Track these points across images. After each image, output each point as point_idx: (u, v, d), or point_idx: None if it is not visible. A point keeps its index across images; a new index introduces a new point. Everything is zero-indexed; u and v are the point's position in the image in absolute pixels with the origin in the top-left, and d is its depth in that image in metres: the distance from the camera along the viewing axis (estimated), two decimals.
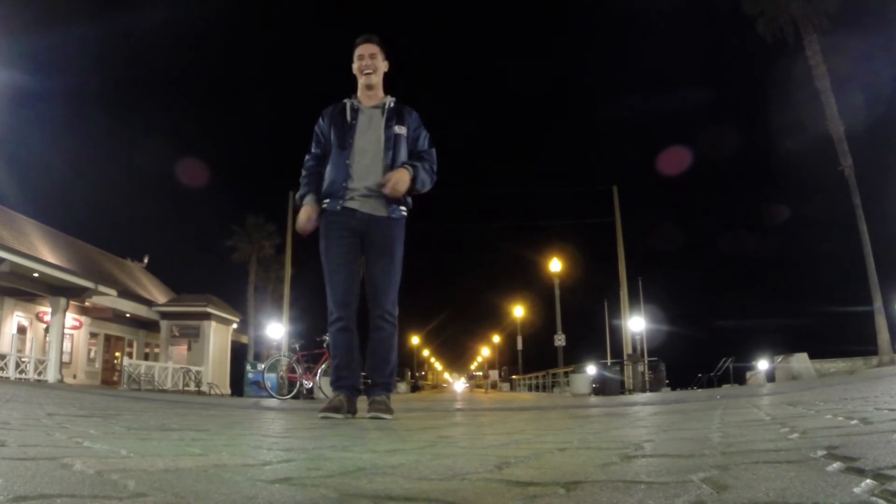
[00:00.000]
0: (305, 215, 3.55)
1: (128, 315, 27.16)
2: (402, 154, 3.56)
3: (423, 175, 3.54)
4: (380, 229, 3.48)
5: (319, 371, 10.81)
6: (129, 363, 23.33)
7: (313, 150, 3.68)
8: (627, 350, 22.48)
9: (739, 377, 20.90)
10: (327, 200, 3.54)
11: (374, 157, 3.52)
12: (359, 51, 3.60)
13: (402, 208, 3.56)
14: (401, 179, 3.42)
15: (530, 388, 28.62)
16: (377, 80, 3.63)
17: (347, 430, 2.31)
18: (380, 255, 3.48)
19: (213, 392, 23.80)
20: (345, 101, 3.68)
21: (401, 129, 3.58)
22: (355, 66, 3.63)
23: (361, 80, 3.63)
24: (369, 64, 3.58)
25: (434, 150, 3.68)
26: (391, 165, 3.51)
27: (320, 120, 3.70)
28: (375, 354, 3.48)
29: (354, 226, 3.48)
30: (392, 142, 3.54)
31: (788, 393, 4.94)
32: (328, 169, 3.58)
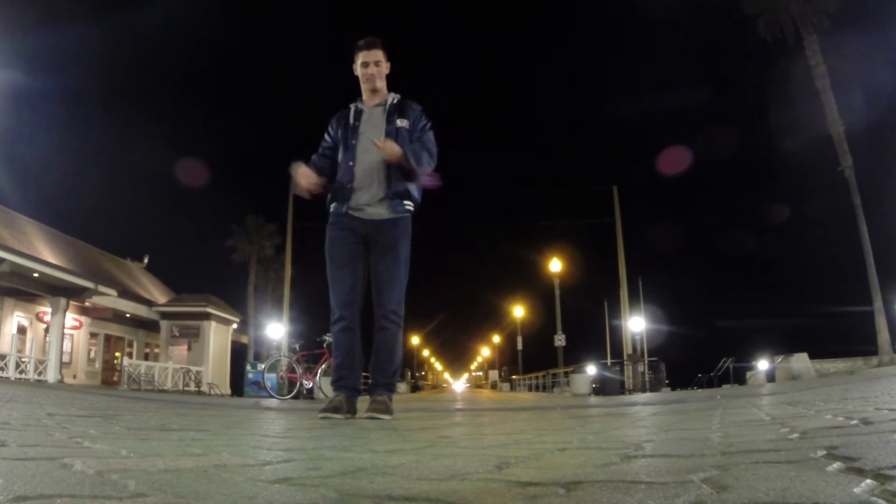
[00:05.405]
0: (302, 170, 3.46)
1: (128, 315, 27.16)
2: (405, 147, 3.56)
3: (418, 151, 3.48)
4: (384, 230, 3.48)
5: (319, 371, 10.81)
6: (129, 363, 23.33)
7: (320, 149, 3.72)
8: (627, 350, 22.47)
9: (739, 377, 20.89)
10: (334, 204, 3.57)
11: (375, 163, 3.51)
12: (362, 57, 3.58)
13: (407, 203, 3.53)
14: (393, 148, 3.39)
15: (530, 389, 28.60)
16: (382, 84, 3.65)
17: (347, 431, 2.31)
18: (384, 254, 3.47)
19: (213, 392, 23.79)
20: (350, 105, 3.70)
21: (403, 122, 3.57)
22: (359, 70, 3.62)
23: (366, 86, 3.64)
24: (374, 72, 3.58)
25: (431, 134, 3.63)
26: (390, 167, 3.49)
27: (329, 125, 3.73)
28: (379, 354, 3.46)
29: (358, 227, 3.49)
30: (394, 136, 3.52)
31: (788, 393, 4.94)
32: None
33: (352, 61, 3.66)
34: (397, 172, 3.51)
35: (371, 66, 3.57)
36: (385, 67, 3.65)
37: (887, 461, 1.01)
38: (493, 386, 52.12)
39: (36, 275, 19.36)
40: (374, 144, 3.41)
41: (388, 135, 3.52)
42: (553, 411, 4.25)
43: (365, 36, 3.60)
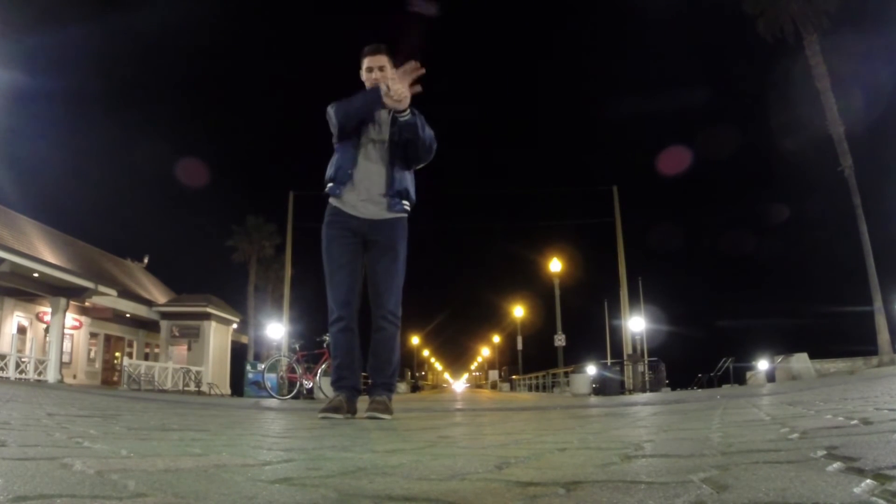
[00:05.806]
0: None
1: (128, 315, 27.15)
2: (404, 152, 3.56)
3: (425, 125, 3.48)
4: (381, 230, 3.48)
5: (319, 371, 10.81)
6: (129, 363, 23.34)
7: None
8: (627, 350, 22.49)
9: (739, 377, 20.88)
10: (330, 184, 3.53)
11: (377, 158, 3.52)
12: (367, 62, 3.57)
13: (405, 203, 3.54)
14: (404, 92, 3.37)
15: (530, 389, 28.61)
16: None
17: (347, 431, 2.31)
18: (382, 255, 3.47)
19: (213, 392, 23.79)
20: None
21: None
22: (364, 76, 3.61)
23: None
24: (379, 78, 3.55)
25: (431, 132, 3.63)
26: (392, 164, 3.51)
27: None
28: (377, 355, 3.46)
29: (355, 227, 3.48)
30: (397, 137, 3.52)
31: (788, 393, 4.94)
32: (338, 152, 3.56)
33: (357, 66, 3.66)
34: (400, 171, 3.52)
35: (375, 70, 3.56)
36: (390, 73, 3.60)
37: (887, 461, 1.01)
38: (493, 386, 52.13)
39: (36, 275, 19.36)
40: (388, 88, 3.36)
41: (391, 136, 3.53)
42: (553, 411, 4.25)
43: (366, 38, 3.61)
